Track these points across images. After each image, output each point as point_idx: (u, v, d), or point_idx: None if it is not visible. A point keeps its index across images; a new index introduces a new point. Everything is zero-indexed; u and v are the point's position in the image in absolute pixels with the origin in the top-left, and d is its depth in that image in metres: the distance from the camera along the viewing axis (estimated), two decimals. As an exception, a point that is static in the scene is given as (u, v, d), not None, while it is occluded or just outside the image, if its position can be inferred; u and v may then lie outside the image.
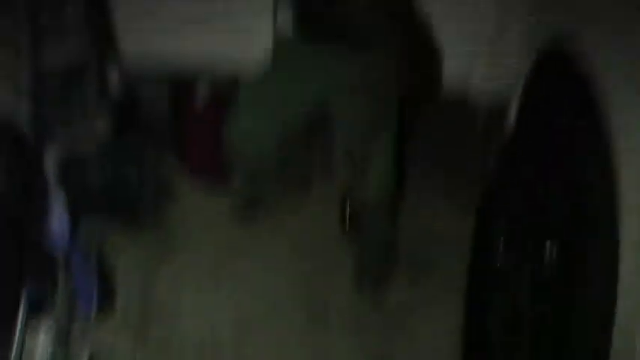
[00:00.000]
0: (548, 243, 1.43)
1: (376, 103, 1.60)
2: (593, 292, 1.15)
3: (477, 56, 1.91)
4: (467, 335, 1.71)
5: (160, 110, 2.08)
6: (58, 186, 1.49)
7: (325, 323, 1.77)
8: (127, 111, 1.92)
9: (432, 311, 1.81)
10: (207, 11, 1.80)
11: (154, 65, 1.91)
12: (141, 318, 1.71)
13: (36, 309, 1.29)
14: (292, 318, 1.77)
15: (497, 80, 1.86)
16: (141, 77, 1.94)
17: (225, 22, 1.81)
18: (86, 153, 1.70)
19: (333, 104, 1.64)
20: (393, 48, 1.55)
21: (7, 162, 1.35)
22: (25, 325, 1.27)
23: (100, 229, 1.69)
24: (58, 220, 1.37)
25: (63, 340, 1.40)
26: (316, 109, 1.66)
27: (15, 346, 1.23)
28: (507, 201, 1.67)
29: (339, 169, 1.79)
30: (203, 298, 1.79)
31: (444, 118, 2.07)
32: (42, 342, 1.32)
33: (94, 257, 1.58)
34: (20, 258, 1.26)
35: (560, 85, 1.40)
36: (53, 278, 1.33)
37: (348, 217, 1.95)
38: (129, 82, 1.89)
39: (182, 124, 2.08)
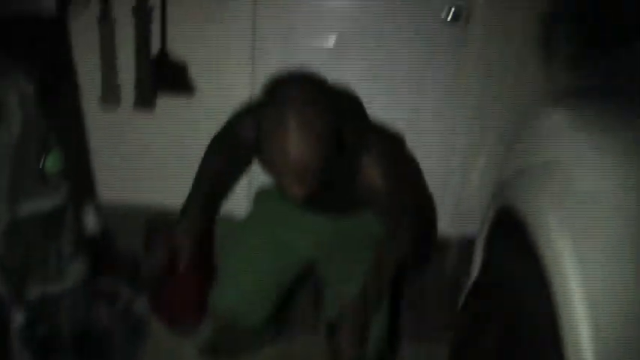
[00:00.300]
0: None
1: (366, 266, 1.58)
2: None
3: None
4: None
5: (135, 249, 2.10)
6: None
7: None
8: (103, 249, 1.97)
9: None
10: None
11: (130, 205, 1.97)
12: None
13: None
14: None
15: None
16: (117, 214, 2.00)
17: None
18: (59, 295, 1.72)
19: (320, 264, 1.67)
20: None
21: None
22: None
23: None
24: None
25: None
26: (303, 267, 1.70)
27: None
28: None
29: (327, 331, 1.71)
30: None
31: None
32: None
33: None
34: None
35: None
36: None
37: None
38: (105, 220, 1.96)
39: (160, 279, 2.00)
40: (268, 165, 1.29)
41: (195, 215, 1.61)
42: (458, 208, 2.13)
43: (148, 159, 2.09)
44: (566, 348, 1.05)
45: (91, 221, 2.01)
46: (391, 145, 1.67)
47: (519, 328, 1.37)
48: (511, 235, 1.33)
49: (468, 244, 1.83)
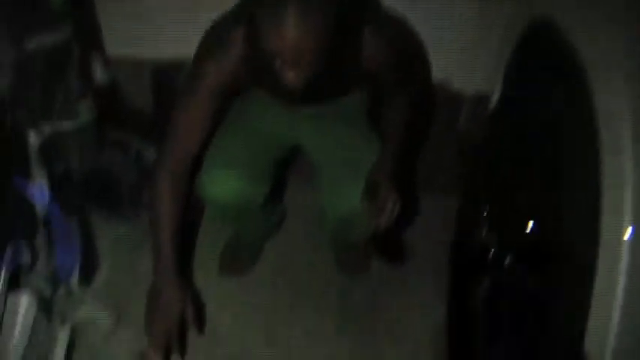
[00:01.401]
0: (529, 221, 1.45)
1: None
2: (573, 269, 1.15)
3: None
4: (451, 317, 1.73)
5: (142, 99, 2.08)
6: (38, 162, 1.51)
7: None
8: (110, 97, 1.95)
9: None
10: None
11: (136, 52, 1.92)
12: (124, 293, 1.72)
13: (16, 275, 1.30)
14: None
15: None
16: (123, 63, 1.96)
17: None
18: (68, 135, 1.72)
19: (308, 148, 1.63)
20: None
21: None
22: (6, 292, 1.27)
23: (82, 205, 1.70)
24: (38, 189, 1.39)
25: (44, 308, 1.41)
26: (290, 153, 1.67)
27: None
28: (490, 179, 1.70)
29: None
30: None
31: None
32: (23, 310, 1.33)
33: (76, 226, 1.58)
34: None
35: (542, 63, 1.38)
36: (33, 243, 1.33)
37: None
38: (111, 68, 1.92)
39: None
40: (262, 55, 1.21)
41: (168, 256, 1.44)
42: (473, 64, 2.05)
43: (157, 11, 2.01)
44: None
45: (98, 72, 1.98)
46: (394, 20, 1.64)
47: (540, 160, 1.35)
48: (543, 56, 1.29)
49: (481, 101, 1.83)
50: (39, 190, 1.41)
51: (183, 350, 1.48)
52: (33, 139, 1.55)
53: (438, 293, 1.77)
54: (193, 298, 1.50)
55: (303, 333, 1.74)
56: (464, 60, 1.91)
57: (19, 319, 1.32)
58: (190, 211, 1.54)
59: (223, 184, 1.50)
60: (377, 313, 1.80)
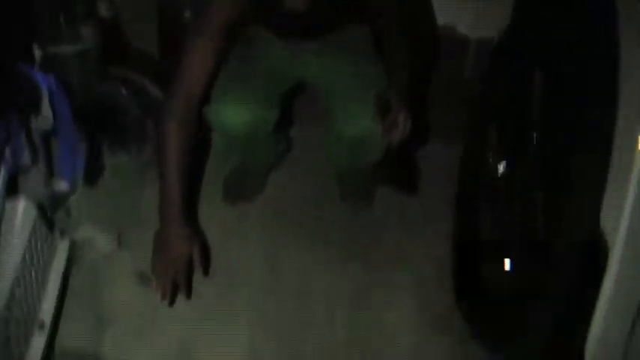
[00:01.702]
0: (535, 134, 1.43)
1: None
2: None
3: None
4: (458, 239, 1.70)
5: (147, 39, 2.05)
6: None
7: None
8: (113, 32, 1.92)
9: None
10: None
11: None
12: (123, 218, 1.71)
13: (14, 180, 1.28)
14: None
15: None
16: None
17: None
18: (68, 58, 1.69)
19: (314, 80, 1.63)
20: None
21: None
22: (4, 195, 1.25)
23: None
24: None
25: (43, 216, 1.39)
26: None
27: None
28: (497, 100, 1.67)
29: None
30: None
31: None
32: (21, 215, 1.31)
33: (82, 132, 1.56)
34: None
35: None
36: (32, 141, 1.31)
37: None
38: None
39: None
40: None
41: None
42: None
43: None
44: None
45: (103, 7, 1.95)
46: None
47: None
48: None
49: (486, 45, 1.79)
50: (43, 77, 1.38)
51: (189, 292, 1.48)
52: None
53: (443, 228, 1.75)
54: (200, 239, 1.51)
55: (307, 261, 1.72)
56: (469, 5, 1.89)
57: (17, 223, 1.30)
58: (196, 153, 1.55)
59: (235, 111, 1.51)
60: (381, 243, 1.78)
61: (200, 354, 1.52)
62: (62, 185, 1.53)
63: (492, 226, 1.60)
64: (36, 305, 1.37)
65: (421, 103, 1.86)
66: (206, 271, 1.56)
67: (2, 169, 1.21)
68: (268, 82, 1.59)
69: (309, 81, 1.70)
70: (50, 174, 1.42)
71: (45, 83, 1.37)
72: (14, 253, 1.30)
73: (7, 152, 1.22)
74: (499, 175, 1.60)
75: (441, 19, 1.96)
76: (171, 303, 1.47)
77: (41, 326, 1.37)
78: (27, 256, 1.33)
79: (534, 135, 1.43)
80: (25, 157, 1.29)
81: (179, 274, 1.44)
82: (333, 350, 1.56)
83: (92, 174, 1.65)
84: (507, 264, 1.51)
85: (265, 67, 1.60)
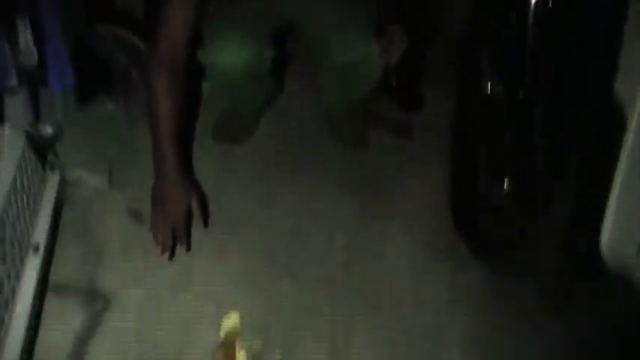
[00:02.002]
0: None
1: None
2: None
3: None
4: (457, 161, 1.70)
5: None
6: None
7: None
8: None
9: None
10: None
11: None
12: (113, 160, 1.69)
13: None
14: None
15: None
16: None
17: None
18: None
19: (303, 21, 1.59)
20: None
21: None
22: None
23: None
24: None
25: (32, 145, 1.36)
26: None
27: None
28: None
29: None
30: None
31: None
32: (9, 143, 1.28)
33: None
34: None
35: None
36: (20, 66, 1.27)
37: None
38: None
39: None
40: None
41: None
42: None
43: None
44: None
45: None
46: None
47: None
48: None
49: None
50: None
51: (189, 244, 1.48)
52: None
53: (441, 160, 1.74)
54: (197, 190, 1.50)
55: (302, 196, 1.70)
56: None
57: (5, 147, 1.27)
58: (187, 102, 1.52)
59: (230, 49, 1.48)
60: (378, 175, 1.76)
61: (195, 287, 1.49)
62: (48, 129, 1.50)
63: (490, 146, 1.58)
64: (29, 229, 1.34)
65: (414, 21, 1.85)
66: (205, 223, 1.55)
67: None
68: (260, 21, 1.56)
69: (300, 17, 1.63)
70: (37, 117, 1.39)
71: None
72: (4, 174, 1.27)
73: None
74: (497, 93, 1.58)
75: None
76: (172, 256, 1.46)
77: (36, 248, 1.35)
78: (18, 179, 1.31)
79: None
80: (12, 79, 1.26)
81: (178, 226, 1.43)
82: (332, 278, 1.54)
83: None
84: (506, 181, 1.50)
85: (255, 6, 1.57)
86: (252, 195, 1.70)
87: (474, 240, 1.56)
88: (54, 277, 1.44)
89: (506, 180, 1.50)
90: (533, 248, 1.47)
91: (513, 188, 1.48)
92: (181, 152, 1.46)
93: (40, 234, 1.37)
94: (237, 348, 1.39)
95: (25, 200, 1.33)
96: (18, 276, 1.27)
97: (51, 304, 1.40)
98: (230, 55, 1.49)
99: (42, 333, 1.35)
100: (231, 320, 1.43)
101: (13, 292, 1.25)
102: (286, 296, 1.50)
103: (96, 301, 1.43)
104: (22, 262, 1.29)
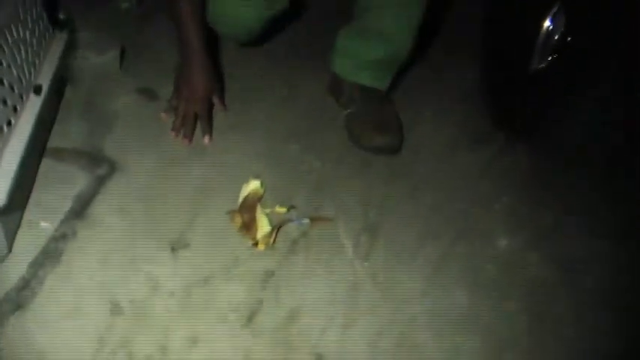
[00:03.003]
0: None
1: None
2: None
3: None
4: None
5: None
6: None
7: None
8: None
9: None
10: None
11: None
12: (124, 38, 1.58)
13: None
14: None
15: None
16: None
17: None
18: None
19: None
20: None
21: None
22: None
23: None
24: None
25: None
26: None
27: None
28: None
29: None
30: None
31: None
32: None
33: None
34: None
35: None
36: None
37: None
38: None
39: None
40: None
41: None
42: None
43: None
44: None
45: None
46: None
47: None
48: None
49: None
50: None
51: (210, 129, 1.40)
52: None
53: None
54: (219, 77, 1.45)
55: (322, 82, 1.59)
56: None
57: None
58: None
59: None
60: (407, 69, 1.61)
61: (209, 157, 1.36)
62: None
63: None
64: (31, 70, 1.21)
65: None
66: (225, 108, 1.47)
67: None
68: None
69: None
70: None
71: None
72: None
73: None
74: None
75: None
76: (191, 140, 1.38)
77: (37, 90, 1.21)
78: (21, 11, 1.18)
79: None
80: None
81: (202, 111, 1.38)
82: (361, 161, 1.41)
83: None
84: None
85: None
86: (270, 82, 1.59)
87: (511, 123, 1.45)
88: (55, 143, 1.30)
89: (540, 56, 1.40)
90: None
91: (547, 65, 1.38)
92: (205, 37, 1.37)
93: (45, 77, 1.26)
94: (259, 211, 1.24)
95: (28, 40, 1.21)
96: (16, 110, 1.13)
97: (50, 167, 1.26)
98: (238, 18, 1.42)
99: (38, 194, 1.20)
100: (251, 185, 1.28)
101: (9, 124, 1.11)
102: (310, 171, 1.37)
103: (101, 166, 1.28)
104: (21, 100, 1.16)
